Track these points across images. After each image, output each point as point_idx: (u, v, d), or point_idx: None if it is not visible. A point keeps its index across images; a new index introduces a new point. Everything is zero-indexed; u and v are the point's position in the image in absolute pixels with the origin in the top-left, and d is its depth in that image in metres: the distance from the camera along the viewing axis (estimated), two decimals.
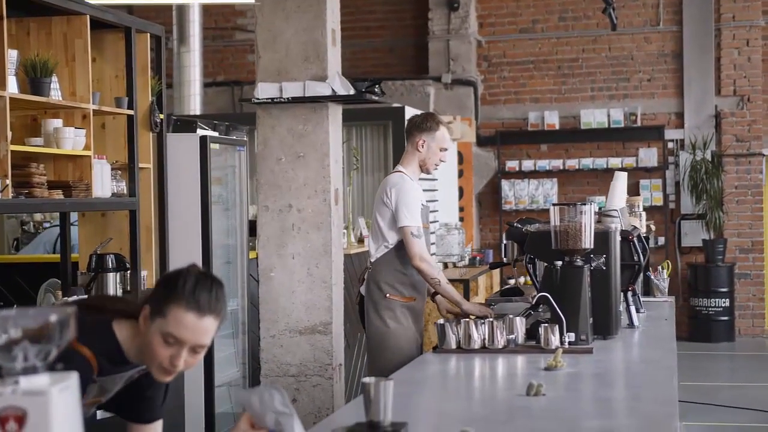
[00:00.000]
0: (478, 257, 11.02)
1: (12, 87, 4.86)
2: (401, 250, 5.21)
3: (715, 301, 12.28)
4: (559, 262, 4.43)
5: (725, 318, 12.32)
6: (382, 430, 2.76)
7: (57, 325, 1.83)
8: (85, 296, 5.21)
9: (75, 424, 1.88)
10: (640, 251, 5.14)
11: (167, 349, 2.64)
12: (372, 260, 5.40)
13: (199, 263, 6.38)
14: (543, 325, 4.26)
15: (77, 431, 1.88)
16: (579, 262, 4.44)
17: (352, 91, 5.54)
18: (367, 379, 2.76)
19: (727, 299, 12.31)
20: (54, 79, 5.13)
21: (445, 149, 5.43)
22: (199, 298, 2.63)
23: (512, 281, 9.97)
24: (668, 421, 2.90)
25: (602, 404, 3.36)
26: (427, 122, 5.42)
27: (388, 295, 5.28)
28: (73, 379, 1.86)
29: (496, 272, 10.96)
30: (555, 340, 4.20)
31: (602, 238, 4.59)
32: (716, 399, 9.01)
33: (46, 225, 8.64)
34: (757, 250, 12.68)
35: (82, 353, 2.67)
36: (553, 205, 4.52)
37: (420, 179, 5.39)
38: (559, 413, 3.13)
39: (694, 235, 12.64)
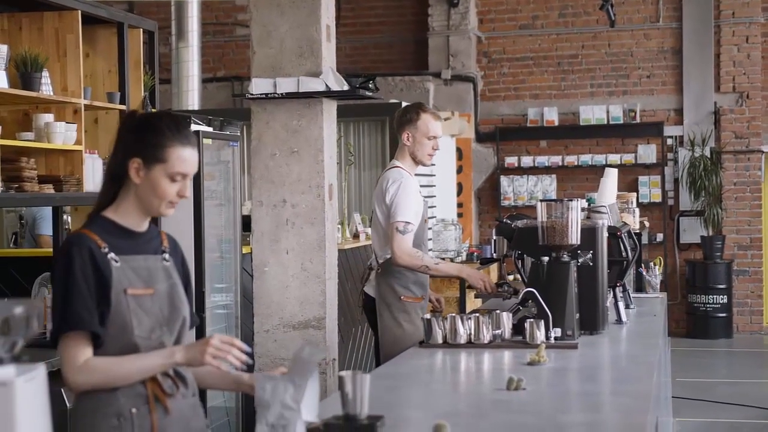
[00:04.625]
0: (476, 253, 11.00)
1: (2, 82, 4.89)
2: None
3: (714, 298, 12.28)
4: (546, 258, 4.43)
5: (723, 315, 12.33)
6: (357, 423, 2.78)
7: (22, 318, 1.85)
8: None
9: (41, 414, 1.90)
10: (629, 247, 5.14)
11: (174, 185, 2.94)
12: (380, 261, 5.34)
13: (192, 258, 6.46)
14: (529, 320, 4.27)
15: (44, 421, 1.90)
16: (565, 258, 4.44)
17: (345, 87, 5.52)
18: (343, 373, 2.79)
19: (726, 296, 12.32)
20: (45, 73, 5.16)
21: (433, 137, 5.33)
22: (187, 135, 2.96)
23: (511, 277, 9.95)
24: (641, 415, 2.92)
25: (579, 399, 3.38)
26: (407, 114, 5.36)
27: (402, 297, 5.26)
28: (39, 370, 1.88)
29: (495, 268, 10.95)
30: (540, 336, 4.21)
31: (589, 234, 4.59)
32: (712, 395, 9.03)
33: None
34: (755, 247, 12.68)
35: (83, 233, 2.94)
36: (540, 201, 4.53)
37: (417, 174, 5.35)
38: (536, 407, 3.15)
39: (692, 231, 12.64)
